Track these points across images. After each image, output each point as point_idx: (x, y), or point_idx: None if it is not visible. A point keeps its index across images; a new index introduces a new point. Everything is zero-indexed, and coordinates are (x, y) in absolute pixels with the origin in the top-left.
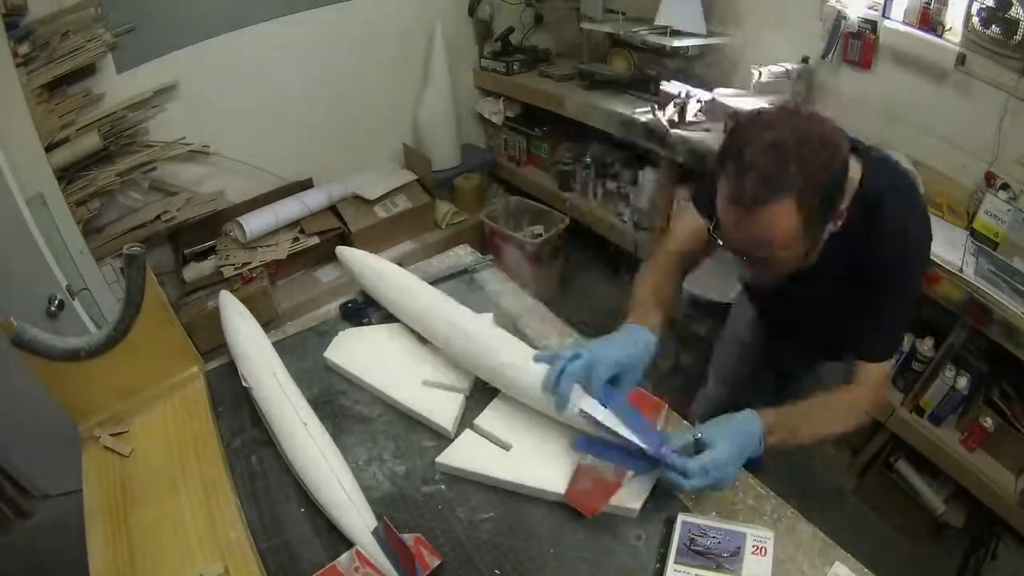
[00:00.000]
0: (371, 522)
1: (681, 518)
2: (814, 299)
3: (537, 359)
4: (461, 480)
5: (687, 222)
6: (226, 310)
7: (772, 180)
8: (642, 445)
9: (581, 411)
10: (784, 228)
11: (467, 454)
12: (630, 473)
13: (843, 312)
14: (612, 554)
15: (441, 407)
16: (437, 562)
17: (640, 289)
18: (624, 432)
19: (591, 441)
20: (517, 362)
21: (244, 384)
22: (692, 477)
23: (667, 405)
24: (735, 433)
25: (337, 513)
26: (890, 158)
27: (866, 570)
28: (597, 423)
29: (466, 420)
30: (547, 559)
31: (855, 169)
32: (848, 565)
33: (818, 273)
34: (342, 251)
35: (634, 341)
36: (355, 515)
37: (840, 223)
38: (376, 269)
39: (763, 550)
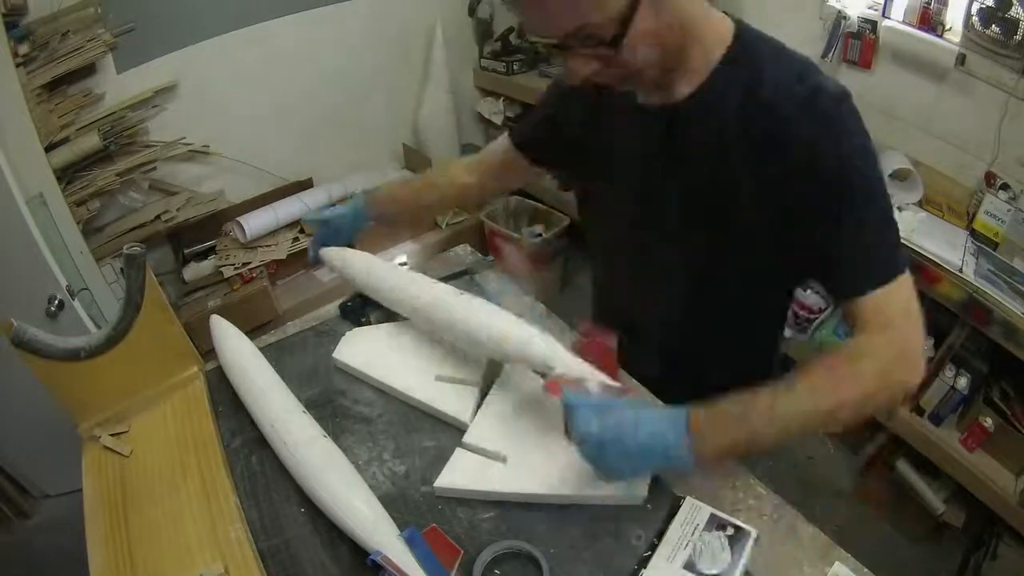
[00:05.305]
0: (395, 531)
1: (689, 500)
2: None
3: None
4: None
5: (498, 147)
6: (221, 343)
7: None
8: None
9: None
10: None
11: (464, 474)
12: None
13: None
14: (612, 554)
15: (457, 401)
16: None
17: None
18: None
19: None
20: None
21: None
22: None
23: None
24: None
25: (364, 535)
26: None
27: (866, 570)
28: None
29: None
30: (547, 559)
31: (720, 23)
32: (848, 565)
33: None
34: (328, 252)
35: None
36: (380, 529)
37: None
38: (362, 265)
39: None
